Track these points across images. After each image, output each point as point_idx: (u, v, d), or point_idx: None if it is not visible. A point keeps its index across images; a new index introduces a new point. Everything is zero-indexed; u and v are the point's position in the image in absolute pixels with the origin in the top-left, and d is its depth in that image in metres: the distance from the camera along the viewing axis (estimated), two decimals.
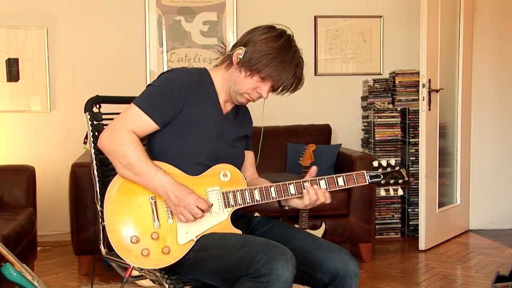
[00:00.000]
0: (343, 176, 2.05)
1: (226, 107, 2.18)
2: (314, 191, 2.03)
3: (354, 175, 2.05)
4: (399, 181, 2.08)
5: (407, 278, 3.77)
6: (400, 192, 2.09)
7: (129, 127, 1.99)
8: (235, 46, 2.10)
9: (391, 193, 2.09)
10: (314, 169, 2.10)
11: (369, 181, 2.05)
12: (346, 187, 2.06)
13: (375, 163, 2.08)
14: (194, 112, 2.05)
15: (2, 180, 3.58)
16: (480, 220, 5.13)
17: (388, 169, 2.07)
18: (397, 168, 2.08)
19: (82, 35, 4.81)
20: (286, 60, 2.03)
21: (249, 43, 2.05)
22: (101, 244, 2.03)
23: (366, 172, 2.05)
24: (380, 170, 2.07)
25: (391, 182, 2.07)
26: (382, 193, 2.10)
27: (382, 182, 2.07)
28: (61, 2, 4.76)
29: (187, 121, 2.05)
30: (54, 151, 4.80)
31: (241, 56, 2.05)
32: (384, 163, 2.07)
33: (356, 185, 2.05)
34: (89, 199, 3.60)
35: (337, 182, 2.05)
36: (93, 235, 2.05)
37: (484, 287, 3.56)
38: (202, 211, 1.94)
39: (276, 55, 2.01)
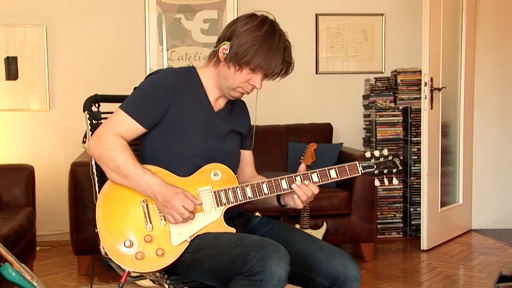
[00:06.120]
0: (335, 168, 2.02)
1: (218, 104, 2.16)
2: (302, 191, 2.01)
3: (346, 167, 2.02)
4: (393, 171, 2.05)
5: (409, 278, 3.77)
6: (395, 181, 2.06)
7: (116, 131, 1.99)
8: (219, 41, 2.08)
9: (386, 183, 2.05)
10: (302, 167, 2.08)
11: (362, 171, 2.03)
12: (339, 179, 2.02)
13: (368, 154, 2.05)
14: (181, 112, 2.05)
15: (1, 179, 3.58)
16: (483, 219, 5.13)
17: (381, 159, 2.05)
18: (390, 158, 2.05)
19: (82, 33, 4.80)
20: (273, 47, 2.00)
21: (232, 36, 2.02)
22: (101, 244, 2.03)
23: (359, 163, 2.03)
24: (372, 161, 2.05)
25: (384, 172, 2.04)
26: (377, 183, 2.06)
27: (375, 172, 2.04)
28: (60, 0, 4.76)
29: (174, 122, 2.04)
30: (53, 150, 4.80)
31: (227, 51, 2.02)
32: (376, 153, 2.05)
33: (349, 176, 2.02)
34: (88, 198, 3.60)
35: (329, 174, 2.02)
36: (93, 235, 2.05)
37: (486, 287, 3.56)
38: (190, 211, 1.94)
39: (262, 44, 1.99)
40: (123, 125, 2.00)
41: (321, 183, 2.03)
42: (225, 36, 2.06)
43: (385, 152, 2.06)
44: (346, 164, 2.03)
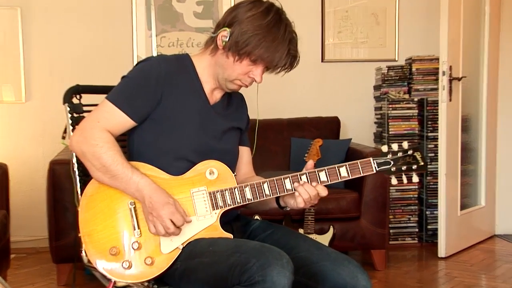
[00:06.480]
0: (346, 165, 2.01)
1: (214, 96, 2.17)
2: (303, 189, 2.00)
3: (359, 164, 2.00)
4: (413, 167, 2.03)
5: None
6: (416, 179, 2.04)
7: (102, 125, 1.99)
8: (218, 27, 2.08)
9: (405, 181, 2.03)
10: (310, 164, 2.07)
11: (377, 169, 2.01)
12: (350, 177, 2.01)
13: (384, 148, 2.03)
14: (174, 104, 2.05)
15: None
16: (508, 223, 5.13)
17: (400, 154, 2.02)
18: (410, 152, 2.03)
19: (61, 17, 4.80)
20: (278, 38, 2.00)
21: (233, 22, 2.02)
22: (83, 251, 2.03)
23: (373, 159, 2.01)
24: (389, 156, 2.03)
25: (403, 168, 2.02)
26: (394, 181, 2.04)
27: (392, 169, 2.02)
28: None
29: (167, 114, 2.05)
30: (29, 146, 4.80)
31: (226, 39, 2.02)
32: (395, 147, 2.03)
33: (362, 174, 2.01)
34: (69, 200, 3.61)
35: (339, 173, 2.01)
36: (74, 241, 2.05)
37: None
38: (177, 227, 1.94)
39: (266, 34, 1.99)
40: (110, 118, 2.00)
41: (329, 182, 2.03)
42: (225, 21, 2.05)
43: (405, 145, 2.04)
44: (358, 161, 2.02)
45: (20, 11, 4.72)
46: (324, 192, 2.02)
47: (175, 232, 1.94)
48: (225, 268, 1.81)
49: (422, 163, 2.04)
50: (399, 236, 4.74)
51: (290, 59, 2.05)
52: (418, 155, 2.04)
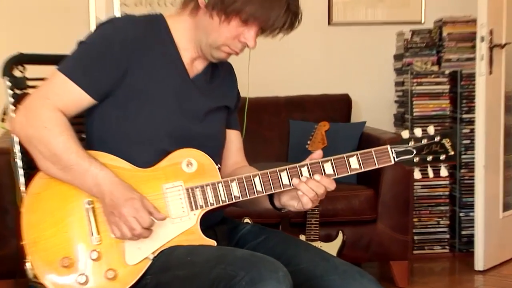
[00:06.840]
0: (357, 155, 2.01)
1: (195, 68, 2.17)
2: (307, 187, 2.00)
3: (373, 153, 2.01)
4: (441, 157, 2.04)
5: None
6: (444, 172, 2.05)
7: (53, 102, 1.98)
8: None
9: (430, 174, 2.04)
10: (318, 153, 2.06)
11: (396, 159, 2.02)
12: (363, 170, 2.02)
13: (405, 134, 2.04)
14: (144, 77, 2.05)
15: None
16: None
17: (424, 141, 2.03)
18: (437, 139, 2.04)
19: None
20: None
21: None
22: (27, 263, 2.03)
23: (391, 147, 2.02)
24: (412, 144, 2.03)
25: (428, 159, 2.03)
26: (417, 175, 2.05)
27: (415, 160, 2.03)
28: None
29: (135, 91, 2.04)
30: None
31: None
32: (418, 132, 2.03)
33: (377, 166, 2.02)
34: (9, 199, 3.60)
35: (349, 164, 2.01)
36: (16, 251, 2.05)
37: None
38: (144, 227, 1.93)
39: None
40: (62, 94, 2.00)
41: (337, 176, 2.03)
42: None
43: (431, 130, 2.05)
44: (372, 149, 2.02)
45: None
46: (331, 185, 2.01)
47: (142, 234, 1.93)
48: (207, 283, 1.81)
49: (452, 152, 2.05)
50: (425, 244, 4.76)
51: (290, 17, 2.04)
52: (447, 142, 2.05)
